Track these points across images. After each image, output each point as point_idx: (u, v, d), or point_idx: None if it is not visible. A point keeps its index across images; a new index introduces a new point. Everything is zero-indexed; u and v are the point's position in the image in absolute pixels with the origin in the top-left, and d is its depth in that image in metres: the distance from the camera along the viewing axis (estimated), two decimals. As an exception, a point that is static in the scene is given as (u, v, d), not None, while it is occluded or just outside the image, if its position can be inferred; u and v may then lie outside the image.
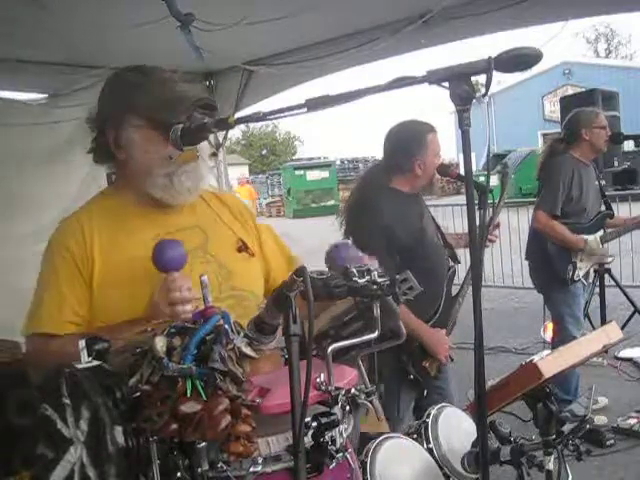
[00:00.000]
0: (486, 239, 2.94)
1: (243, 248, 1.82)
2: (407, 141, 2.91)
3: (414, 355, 2.84)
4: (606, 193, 4.39)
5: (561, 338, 3.88)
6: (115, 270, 1.66)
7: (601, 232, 4.13)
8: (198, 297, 1.47)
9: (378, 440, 1.80)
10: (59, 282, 1.66)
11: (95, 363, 1.27)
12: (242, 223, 1.91)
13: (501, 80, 25.44)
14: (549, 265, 4.01)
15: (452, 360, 2.98)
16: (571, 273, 3.97)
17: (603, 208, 4.24)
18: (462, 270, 3.23)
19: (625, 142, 4.84)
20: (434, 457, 1.90)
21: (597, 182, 4.18)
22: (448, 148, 25.04)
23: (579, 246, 3.97)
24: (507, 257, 7.86)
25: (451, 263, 3.05)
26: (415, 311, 2.72)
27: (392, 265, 2.64)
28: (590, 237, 4.02)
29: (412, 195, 2.98)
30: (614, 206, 4.45)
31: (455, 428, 2.00)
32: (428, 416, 2.00)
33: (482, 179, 2.52)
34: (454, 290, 3.07)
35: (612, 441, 3.68)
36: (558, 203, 3.93)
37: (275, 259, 1.94)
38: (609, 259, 4.31)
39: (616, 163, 5.52)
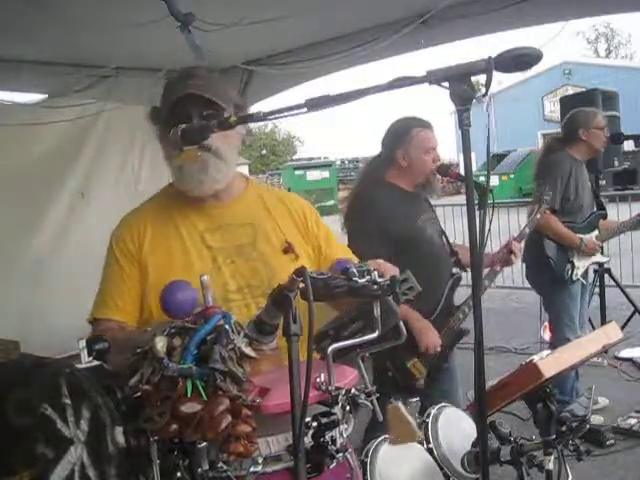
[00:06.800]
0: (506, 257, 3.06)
1: (289, 249, 1.85)
2: (392, 133, 3.00)
3: (396, 352, 2.68)
4: (606, 193, 4.39)
5: (555, 340, 3.89)
6: (166, 261, 1.77)
7: (596, 232, 4.12)
8: None
9: (378, 440, 1.81)
10: (116, 273, 1.79)
11: (95, 363, 1.27)
12: (299, 224, 1.94)
13: (501, 80, 25.38)
14: (547, 266, 3.98)
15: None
16: (570, 272, 3.95)
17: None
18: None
19: (625, 142, 4.84)
20: (434, 457, 1.90)
21: (589, 182, 4.17)
22: (448, 148, 25.07)
23: (575, 243, 3.96)
24: (507, 257, 7.85)
25: (455, 270, 3.02)
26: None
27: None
28: (586, 236, 4.02)
29: (412, 193, 2.98)
30: (614, 206, 4.46)
31: (455, 428, 2.00)
32: (428, 416, 2.00)
33: (482, 179, 2.52)
34: (459, 299, 2.98)
35: (612, 441, 3.67)
36: (557, 198, 3.92)
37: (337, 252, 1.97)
38: (606, 259, 4.30)
39: (616, 163, 5.50)
